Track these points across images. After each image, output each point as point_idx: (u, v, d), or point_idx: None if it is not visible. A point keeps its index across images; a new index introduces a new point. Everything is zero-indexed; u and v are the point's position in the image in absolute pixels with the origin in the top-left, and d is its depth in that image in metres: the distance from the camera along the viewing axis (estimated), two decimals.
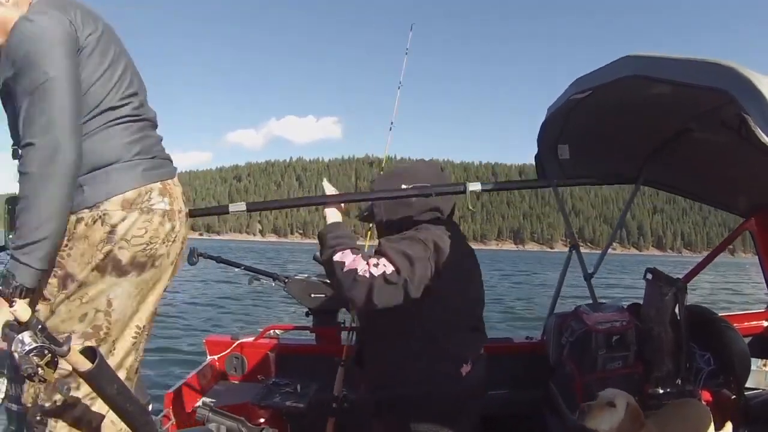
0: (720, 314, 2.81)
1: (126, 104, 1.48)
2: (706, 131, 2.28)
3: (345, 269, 1.66)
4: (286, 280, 3.13)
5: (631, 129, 2.61)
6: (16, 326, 0.96)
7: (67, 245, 1.33)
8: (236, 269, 3.32)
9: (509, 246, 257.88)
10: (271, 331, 3.20)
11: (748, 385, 2.66)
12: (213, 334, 3.33)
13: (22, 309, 0.95)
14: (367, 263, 1.68)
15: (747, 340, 2.69)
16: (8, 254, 1.21)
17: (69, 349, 0.96)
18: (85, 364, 0.98)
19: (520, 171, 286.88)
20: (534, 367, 2.91)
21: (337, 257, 1.69)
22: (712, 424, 2.13)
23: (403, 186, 1.96)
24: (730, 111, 1.27)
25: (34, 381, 0.96)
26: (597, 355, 2.59)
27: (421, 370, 1.79)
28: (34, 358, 0.93)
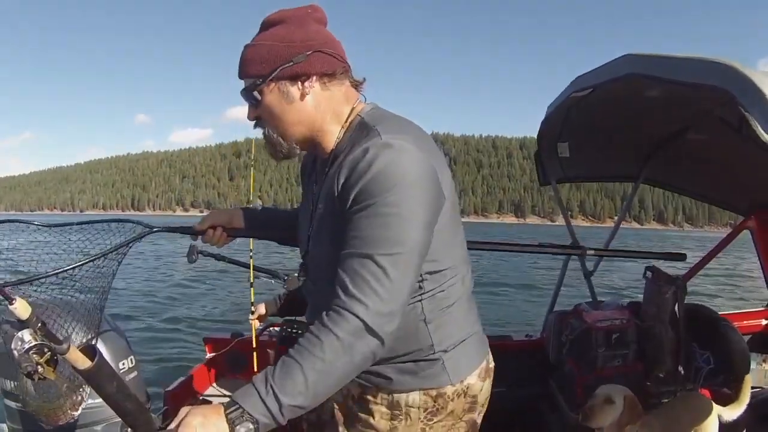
0: (720, 313, 2.81)
1: (467, 269, 1.34)
2: (706, 130, 2.28)
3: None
4: (286, 278, 3.11)
5: (631, 127, 2.61)
6: (17, 324, 0.96)
7: (430, 420, 1.28)
8: (236, 266, 3.31)
9: (510, 219, 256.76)
10: (271, 329, 3.20)
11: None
12: (212, 332, 3.32)
13: (21, 307, 0.94)
14: None
15: (746, 338, 2.69)
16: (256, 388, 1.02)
17: (69, 347, 0.95)
18: (84, 362, 0.98)
19: (521, 144, 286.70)
20: (534, 364, 2.91)
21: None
22: (716, 415, 2.16)
23: None
24: (730, 109, 1.27)
25: (33, 379, 0.95)
26: (597, 353, 2.60)
27: None
28: (34, 356, 0.93)
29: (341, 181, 1.12)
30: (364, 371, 1.20)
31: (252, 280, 3.10)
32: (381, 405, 1.29)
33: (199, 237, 1.62)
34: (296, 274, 3.28)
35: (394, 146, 1.09)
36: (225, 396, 2.76)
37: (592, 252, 2.52)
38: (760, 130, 1.16)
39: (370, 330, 1.04)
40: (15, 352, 0.93)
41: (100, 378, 1.01)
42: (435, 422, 1.29)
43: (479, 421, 1.37)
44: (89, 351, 1.01)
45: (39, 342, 0.94)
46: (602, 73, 2.02)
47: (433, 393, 1.27)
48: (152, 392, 2.16)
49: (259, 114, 1.25)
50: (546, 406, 2.79)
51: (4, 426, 1.84)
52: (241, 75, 1.24)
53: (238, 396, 1.02)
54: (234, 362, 3.05)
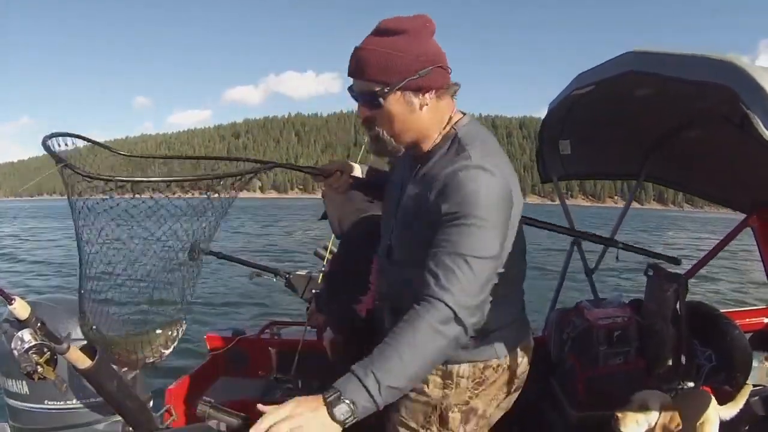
0: (722, 311, 2.81)
1: (521, 265, 1.52)
2: (708, 127, 2.27)
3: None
4: (288, 276, 3.12)
5: (633, 124, 2.61)
6: (17, 324, 0.96)
7: (476, 389, 1.48)
8: (238, 264, 3.32)
9: None
10: (273, 327, 3.21)
11: (749, 381, 2.66)
12: (214, 330, 3.32)
13: (21, 307, 0.95)
14: None
15: (748, 336, 2.69)
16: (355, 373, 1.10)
17: (69, 347, 0.96)
18: (84, 362, 0.98)
19: (520, 123, 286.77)
20: (535, 362, 2.91)
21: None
22: (716, 413, 2.16)
23: None
24: (732, 107, 1.26)
25: (33, 379, 0.96)
26: (598, 351, 2.60)
27: None
28: (34, 355, 0.93)
29: (435, 191, 1.28)
30: None
31: (309, 297, 3.05)
32: (435, 375, 1.45)
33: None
34: (299, 273, 3.27)
35: (484, 170, 1.25)
36: (226, 394, 2.76)
37: (621, 246, 2.86)
38: (762, 128, 1.16)
39: (457, 319, 1.16)
40: (15, 352, 0.93)
41: (100, 377, 1.02)
42: (480, 391, 1.47)
43: (515, 394, 1.59)
44: (90, 350, 1.01)
45: (38, 342, 0.94)
46: (604, 69, 2.01)
47: (481, 366, 1.46)
48: (153, 390, 2.16)
49: (375, 116, 1.35)
50: (547, 404, 2.79)
51: (6, 425, 1.83)
52: (360, 76, 1.33)
53: (338, 382, 1.10)
54: (236, 360, 3.05)
